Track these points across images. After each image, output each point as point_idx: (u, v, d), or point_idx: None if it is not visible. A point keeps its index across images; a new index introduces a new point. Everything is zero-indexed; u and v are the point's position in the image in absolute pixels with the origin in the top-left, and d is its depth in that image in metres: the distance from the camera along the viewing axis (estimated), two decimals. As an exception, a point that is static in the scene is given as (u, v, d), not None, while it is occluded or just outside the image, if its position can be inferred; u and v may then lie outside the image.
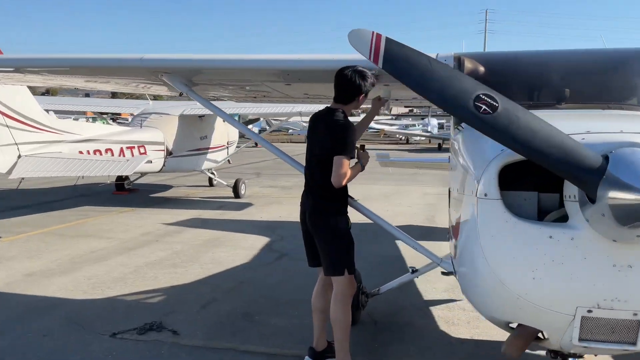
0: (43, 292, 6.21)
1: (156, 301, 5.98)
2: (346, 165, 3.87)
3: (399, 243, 8.88)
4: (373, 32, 2.65)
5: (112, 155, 11.00)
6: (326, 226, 4.07)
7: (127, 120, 33.73)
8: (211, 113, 13.69)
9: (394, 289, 5.49)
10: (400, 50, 2.59)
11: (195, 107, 13.57)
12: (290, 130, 47.23)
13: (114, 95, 53.56)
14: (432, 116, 59.79)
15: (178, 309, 5.65)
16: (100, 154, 10.67)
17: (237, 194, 13.76)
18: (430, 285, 6.51)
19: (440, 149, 35.53)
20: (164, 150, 12.53)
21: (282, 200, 13.79)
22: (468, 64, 4.06)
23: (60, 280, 6.64)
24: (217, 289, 6.39)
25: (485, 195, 2.38)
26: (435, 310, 5.80)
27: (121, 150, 11.28)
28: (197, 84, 5.07)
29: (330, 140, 3.92)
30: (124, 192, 14.35)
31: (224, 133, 15.14)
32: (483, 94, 2.33)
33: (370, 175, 19.86)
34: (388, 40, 2.62)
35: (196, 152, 13.80)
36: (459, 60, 4.09)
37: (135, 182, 14.72)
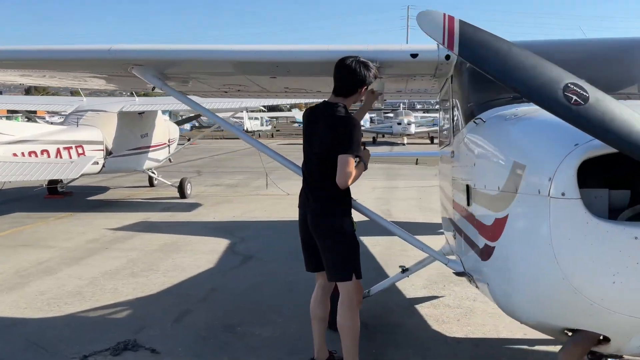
0: (-11, 312, 5.55)
1: (123, 316, 5.47)
2: (352, 164, 3.64)
3: (361, 237, 8.71)
4: (444, 14, 2.39)
5: (49, 156, 10.15)
6: (331, 229, 3.78)
7: (45, 118, 31.79)
8: (152, 110, 13.24)
9: (384, 290, 5.28)
10: (477, 34, 2.36)
11: (134, 104, 12.86)
12: (222, 126, 46.33)
13: (27, 92, 50.22)
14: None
15: (150, 324, 5.18)
16: (36, 156, 9.82)
17: (182, 194, 13.16)
18: (409, 283, 6.34)
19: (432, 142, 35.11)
20: (103, 150, 11.73)
21: (231, 199, 13.31)
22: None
23: (8, 298, 5.96)
24: (187, 298, 5.94)
25: (563, 194, 2.18)
26: (421, 309, 5.64)
27: (58, 151, 10.43)
28: (170, 77, 4.62)
29: (333, 138, 3.65)
30: (58, 196, 13.38)
31: (165, 130, 14.46)
32: (571, 83, 2.13)
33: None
34: (462, 23, 2.37)
35: (137, 151, 13.05)
36: (462, 51, 3.90)
37: (69, 184, 13.74)
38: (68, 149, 10.65)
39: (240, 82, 4.95)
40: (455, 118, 4.05)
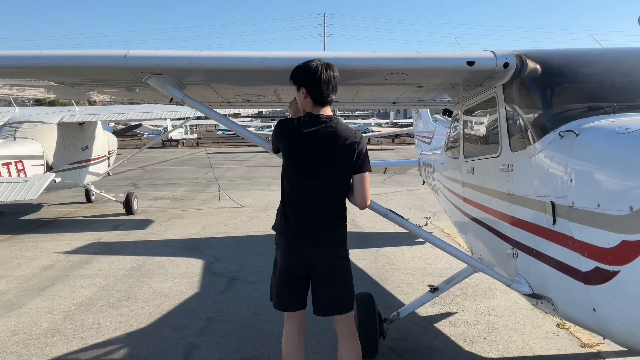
0: (-44, 362, 4.72)
1: (122, 357, 4.82)
2: (369, 181, 3.37)
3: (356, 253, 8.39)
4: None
5: (-14, 174, 9.05)
6: (341, 260, 3.41)
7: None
8: (91, 120, 12.27)
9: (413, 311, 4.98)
10: None
11: (74, 114, 11.85)
12: (145, 135, 44.51)
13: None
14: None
15: (158, 365, 4.60)
16: (-27, 174, 8.71)
17: (129, 211, 12.26)
18: (414, 298, 6.06)
19: None
20: (43, 165, 10.69)
21: (182, 213, 12.55)
22: (532, 64, 3.67)
23: (-27, 343, 5.12)
24: (186, 331, 5.35)
25: None
26: (441, 328, 5.39)
27: (-5, 167, 9.35)
28: (186, 86, 4.09)
29: (346, 157, 3.27)
30: (-14, 216, 12.07)
31: (104, 142, 13.52)
32: None
33: (261, 179, 19.18)
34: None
35: (78, 165, 12.05)
36: (521, 60, 3.69)
37: (-2, 203, 12.41)
38: (7, 165, 9.59)
39: (260, 92, 4.50)
40: (512, 129, 3.82)
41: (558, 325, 5.31)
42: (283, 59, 3.63)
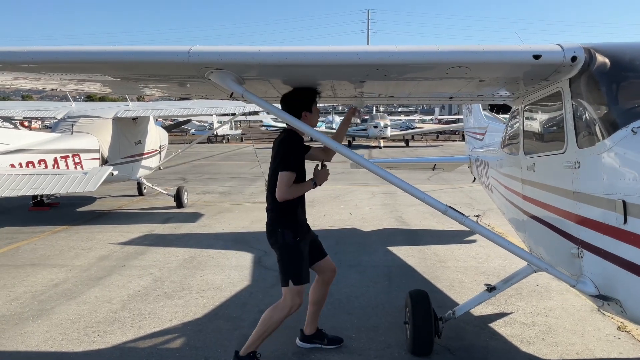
0: (23, 346, 4.91)
1: (179, 346, 4.90)
2: (286, 179, 4.14)
3: (388, 247, 8.35)
4: None
5: (46, 167, 9.39)
6: (275, 241, 4.31)
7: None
8: (144, 115, 12.56)
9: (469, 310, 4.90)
10: None
11: (128, 109, 12.17)
12: (192, 131, 45.34)
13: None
14: (337, 113, 60.60)
15: (214, 355, 4.68)
16: (34, 166, 9.05)
17: (180, 204, 12.51)
18: (467, 298, 5.97)
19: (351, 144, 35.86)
20: (99, 158, 11.03)
21: (230, 207, 12.73)
22: (602, 58, 3.54)
23: (38, 328, 5.32)
24: (239, 322, 5.43)
25: None
26: (497, 328, 5.29)
27: (55, 160, 9.70)
28: (245, 81, 4.13)
29: (275, 158, 4.29)
30: (44, 208, 12.55)
31: (156, 137, 13.83)
32: None
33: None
34: None
35: (131, 159, 12.38)
36: (589, 53, 3.57)
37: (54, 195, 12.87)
38: (65, 158, 9.92)
39: (317, 87, 4.50)
40: (579, 125, 3.70)
41: (619, 328, 5.14)
42: (344, 53, 3.61)
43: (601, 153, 3.38)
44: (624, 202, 3.09)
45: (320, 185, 4.47)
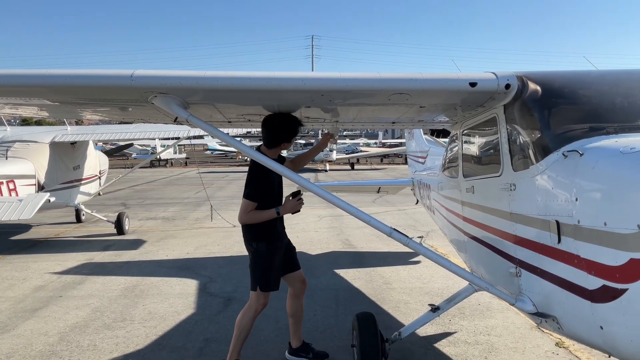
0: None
1: (120, 379, 4.75)
2: (245, 206, 4.45)
3: (335, 270, 8.37)
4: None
5: (-23, 194, 8.95)
6: (248, 250, 4.63)
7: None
8: (83, 140, 12.22)
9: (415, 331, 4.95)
10: None
11: (67, 133, 11.80)
12: (134, 155, 44.36)
13: None
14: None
15: (157, 387, 4.54)
16: (-36, 193, 8.60)
17: (120, 231, 12.17)
18: (412, 318, 6.06)
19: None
20: (35, 184, 10.60)
21: (174, 233, 12.47)
22: (533, 86, 3.74)
23: (-33, 367, 5.02)
24: (184, 352, 5.29)
25: None
26: (442, 348, 5.38)
27: (-13, 187, 9.25)
28: (190, 105, 4.10)
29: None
30: (-26, 236, 11.91)
31: (95, 162, 13.46)
32: None
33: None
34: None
35: (69, 185, 11.97)
36: (522, 81, 3.76)
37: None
38: (-2, 184, 9.47)
39: (263, 112, 4.52)
40: (514, 149, 3.86)
41: (557, 344, 5.32)
42: (290, 79, 3.67)
43: (535, 176, 3.54)
44: (558, 223, 3.23)
45: (283, 215, 4.55)
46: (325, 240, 11.34)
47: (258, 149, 4.55)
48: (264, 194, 4.46)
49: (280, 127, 4.54)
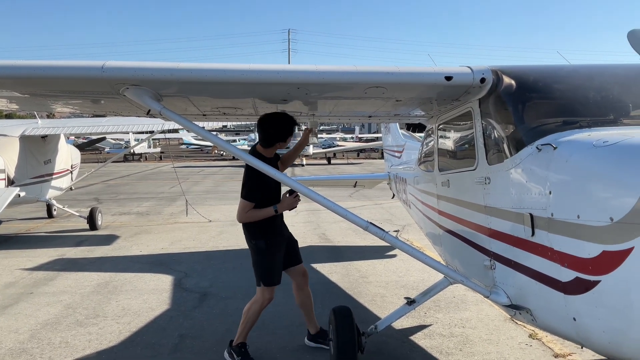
0: None
1: (93, 376, 4.67)
2: (242, 206, 4.56)
3: (312, 264, 8.36)
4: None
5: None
6: (249, 242, 4.73)
7: None
8: (54, 133, 11.97)
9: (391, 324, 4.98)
10: None
11: (37, 126, 11.54)
12: (107, 149, 43.71)
13: None
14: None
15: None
16: None
17: (93, 226, 11.98)
18: (389, 311, 6.08)
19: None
20: (5, 179, 10.34)
21: (148, 229, 12.31)
22: (508, 80, 3.76)
23: None
24: (159, 349, 5.23)
25: None
26: (417, 340, 5.41)
27: (-45, 182, 8.99)
28: (163, 98, 4.03)
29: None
30: (-59, 233, 11.60)
31: (67, 156, 13.17)
32: None
33: (228, 194, 18.95)
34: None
35: (40, 179, 11.70)
36: (497, 75, 3.78)
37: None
38: (-34, 179, 9.22)
39: (238, 105, 4.48)
40: (489, 142, 3.89)
41: (530, 336, 5.39)
42: (265, 71, 3.63)
43: (509, 169, 3.56)
44: (532, 216, 3.26)
45: (280, 212, 4.64)
46: (301, 234, 11.31)
47: (254, 148, 4.70)
48: (260, 193, 4.54)
49: (275, 128, 4.59)
